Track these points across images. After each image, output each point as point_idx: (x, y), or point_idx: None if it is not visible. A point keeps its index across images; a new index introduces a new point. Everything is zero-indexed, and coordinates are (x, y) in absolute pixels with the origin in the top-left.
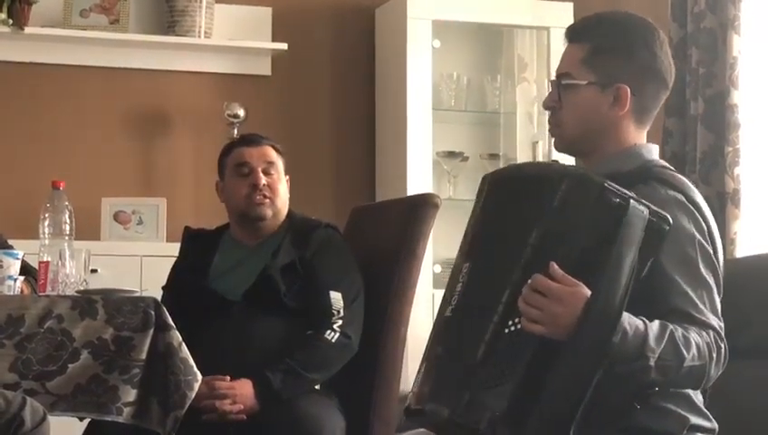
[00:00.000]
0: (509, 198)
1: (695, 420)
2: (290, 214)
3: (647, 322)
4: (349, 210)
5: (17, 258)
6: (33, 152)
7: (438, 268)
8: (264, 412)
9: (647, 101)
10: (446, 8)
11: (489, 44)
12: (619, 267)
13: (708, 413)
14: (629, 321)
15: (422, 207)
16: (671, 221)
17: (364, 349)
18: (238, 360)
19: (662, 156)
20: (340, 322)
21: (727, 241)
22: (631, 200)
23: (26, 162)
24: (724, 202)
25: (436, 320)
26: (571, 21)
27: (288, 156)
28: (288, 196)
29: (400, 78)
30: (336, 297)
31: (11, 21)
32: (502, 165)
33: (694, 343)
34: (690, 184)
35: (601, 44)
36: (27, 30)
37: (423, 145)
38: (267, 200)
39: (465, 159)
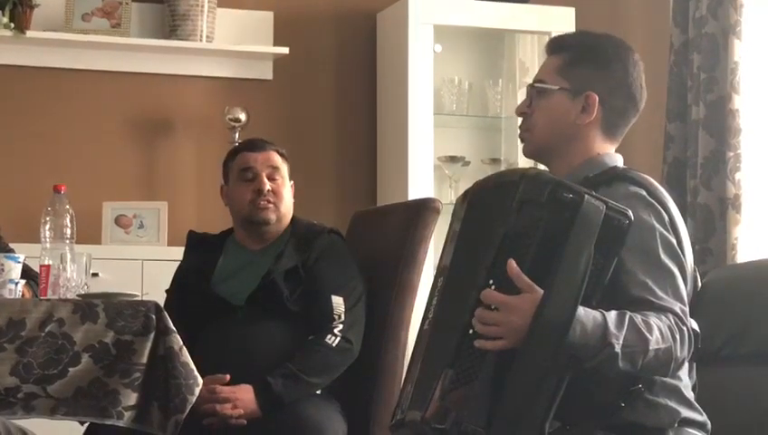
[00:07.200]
0: (476, 209)
1: (686, 413)
2: (294, 219)
3: (604, 312)
4: (350, 215)
5: (18, 262)
6: (34, 156)
7: None
8: (265, 416)
9: (615, 115)
10: (448, 13)
11: (491, 49)
12: (573, 264)
13: (699, 407)
14: (586, 314)
15: (423, 211)
16: (632, 215)
17: (365, 354)
18: (241, 363)
19: (663, 161)
20: (341, 326)
21: (728, 246)
22: (586, 196)
23: (27, 166)
24: (725, 207)
25: (417, 336)
26: (572, 26)
27: (289, 160)
28: (292, 201)
29: (402, 82)
30: (338, 302)
31: (13, 25)
32: (503, 169)
33: (655, 326)
34: (654, 181)
35: (577, 55)
36: (29, 34)
37: (424, 149)
38: (271, 205)
39: (467, 163)
